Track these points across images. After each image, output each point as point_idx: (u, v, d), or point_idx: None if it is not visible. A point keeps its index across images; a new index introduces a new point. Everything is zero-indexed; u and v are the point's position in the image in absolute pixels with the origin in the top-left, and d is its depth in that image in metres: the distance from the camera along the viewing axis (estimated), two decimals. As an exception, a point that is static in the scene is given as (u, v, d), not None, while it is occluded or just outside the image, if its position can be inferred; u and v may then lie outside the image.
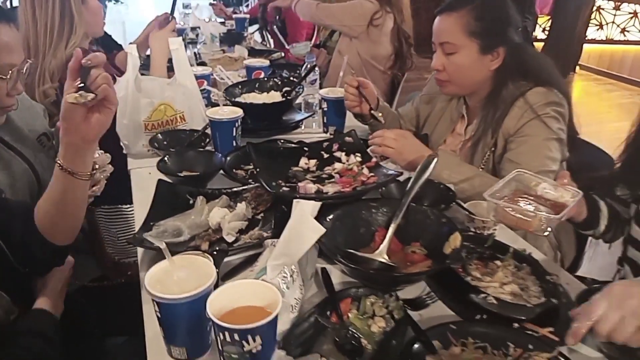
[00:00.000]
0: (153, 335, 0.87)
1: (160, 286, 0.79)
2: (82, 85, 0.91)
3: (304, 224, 0.91)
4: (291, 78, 2.09)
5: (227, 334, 0.71)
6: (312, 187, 1.19)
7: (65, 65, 1.64)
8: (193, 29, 3.43)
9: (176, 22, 1.96)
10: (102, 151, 1.20)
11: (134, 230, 1.21)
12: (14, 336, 1.02)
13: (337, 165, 1.32)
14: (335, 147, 1.40)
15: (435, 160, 1.18)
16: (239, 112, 1.55)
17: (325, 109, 1.74)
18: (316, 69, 1.92)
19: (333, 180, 1.25)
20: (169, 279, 0.82)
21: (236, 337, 0.71)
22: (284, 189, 1.21)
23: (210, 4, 3.76)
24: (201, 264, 0.85)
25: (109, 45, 2.25)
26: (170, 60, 1.73)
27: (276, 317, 0.74)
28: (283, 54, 2.91)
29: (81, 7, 1.70)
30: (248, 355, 0.72)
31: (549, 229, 0.98)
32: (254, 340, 0.72)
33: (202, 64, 2.47)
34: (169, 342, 0.82)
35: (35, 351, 1.01)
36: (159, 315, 0.79)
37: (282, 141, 1.67)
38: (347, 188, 1.20)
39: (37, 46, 1.67)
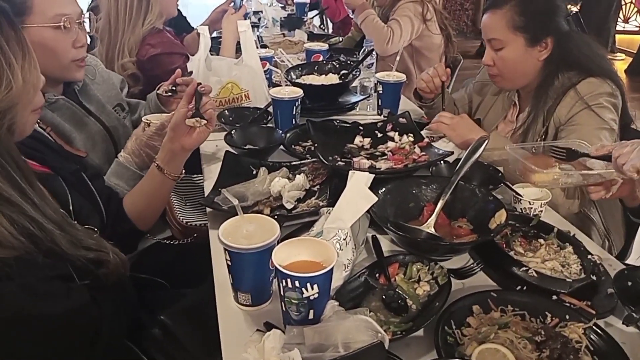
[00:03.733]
0: (221, 283, 0.98)
1: (231, 238, 0.89)
2: (195, 109, 1.13)
3: (358, 192, 0.99)
4: (348, 61, 2.16)
5: (289, 280, 0.80)
6: (365, 163, 1.26)
7: (141, 41, 1.79)
8: (255, 12, 3.56)
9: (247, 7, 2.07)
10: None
11: (201, 197, 1.33)
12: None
13: (390, 144, 1.38)
14: (389, 127, 1.46)
15: (487, 141, 1.23)
16: (299, 92, 1.64)
17: (381, 92, 1.80)
18: (373, 53, 1.98)
19: (386, 157, 1.31)
20: (239, 232, 0.92)
21: (297, 283, 0.80)
22: (340, 163, 1.29)
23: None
24: (266, 222, 0.95)
25: (181, 25, 2.39)
26: (238, 42, 1.85)
27: (331, 270, 0.83)
28: (341, 39, 2.97)
29: None
30: (306, 300, 0.81)
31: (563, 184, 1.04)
32: (312, 288, 0.80)
33: (264, 46, 2.58)
34: (237, 288, 0.93)
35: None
36: (230, 263, 0.90)
37: (338, 121, 1.74)
38: (399, 165, 1.26)
39: (117, 23, 1.82)
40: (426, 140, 1.37)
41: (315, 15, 3.57)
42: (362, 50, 2.10)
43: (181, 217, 1.56)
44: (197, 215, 1.59)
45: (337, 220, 0.98)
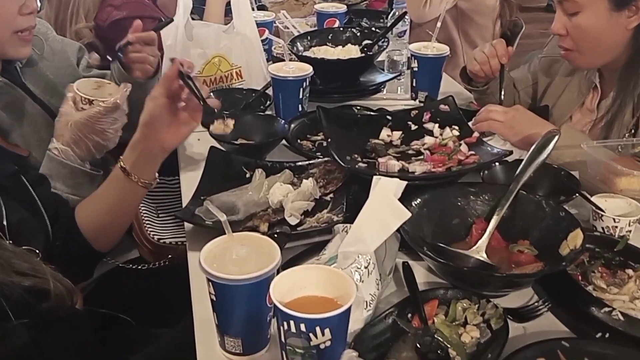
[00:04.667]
0: (203, 322, 0.99)
1: (217, 264, 0.89)
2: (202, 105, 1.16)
3: (385, 206, 0.98)
4: (373, 28, 2.16)
5: (292, 323, 0.80)
6: (395, 165, 1.26)
7: (101, 1, 1.81)
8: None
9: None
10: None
11: (178, 207, 1.33)
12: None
13: (428, 140, 1.38)
14: (426, 116, 1.46)
15: (557, 138, 1.22)
16: (307, 69, 1.64)
17: (416, 70, 1.80)
18: (406, 17, 1.98)
19: (422, 157, 1.31)
20: (227, 256, 0.92)
21: (303, 327, 0.80)
22: (361, 165, 1.29)
23: None
24: (264, 244, 0.94)
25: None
26: (228, 3, 1.86)
27: (349, 309, 0.82)
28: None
29: None
30: (315, 350, 0.81)
31: None
32: (323, 334, 0.80)
33: (262, 7, 2.59)
34: (223, 332, 0.93)
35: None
36: (214, 297, 0.90)
37: (358, 108, 1.75)
38: (439, 168, 1.26)
39: None
40: (476, 135, 1.37)
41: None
42: (390, 14, 2.09)
43: (152, 233, 1.57)
44: (173, 230, 1.60)
45: (356, 242, 0.97)
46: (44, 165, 1.29)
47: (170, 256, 1.53)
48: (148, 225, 1.58)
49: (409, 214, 0.97)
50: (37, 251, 1.06)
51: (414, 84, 1.83)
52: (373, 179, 1.01)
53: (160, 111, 1.15)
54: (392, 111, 1.53)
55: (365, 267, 0.98)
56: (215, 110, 1.21)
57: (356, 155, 1.33)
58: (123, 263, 1.51)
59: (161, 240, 1.55)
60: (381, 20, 2.65)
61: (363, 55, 1.87)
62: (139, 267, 1.51)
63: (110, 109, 1.34)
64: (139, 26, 1.45)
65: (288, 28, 2.35)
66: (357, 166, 1.27)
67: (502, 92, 1.65)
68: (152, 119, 1.15)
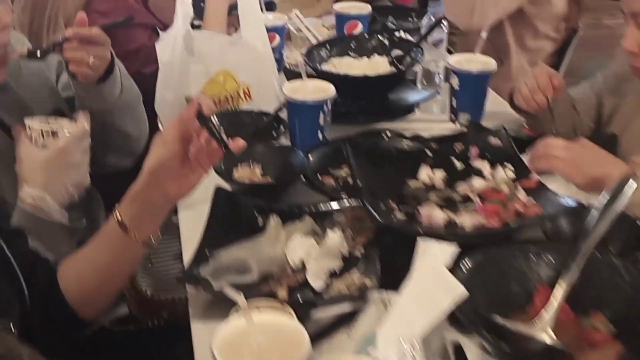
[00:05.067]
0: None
1: (233, 354, 0.84)
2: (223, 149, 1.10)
3: (435, 279, 0.93)
4: (402, 33, 2.11)
5: None
6: (439, 216, 1.20)
7: (84, 5, 1.76)
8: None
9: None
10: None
11: (176, 251, 1.28)
12: None
13: (477, 182, 1.32)
14: (473, 152, 1.40)
15: (635, 184, 1.16)
16: (328, 90, 1.59)
17: (457, 89, 1.74)
18: (444, 22, 1.92)
19: (471, 205, 1.25)
20: (246, 346, 0.87)
21: None
22: (398, 216, 1.23)
23: None
24: (288, 327, 0.90)
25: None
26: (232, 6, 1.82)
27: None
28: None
29: None
30: None
31: None
32: None
33: (270, 5, 2.54)
34: None
35: None
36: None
37: (388, 133, 1.68)
38: (493, 220, 1.20)
39: None
40: (535, 178, 1.31)
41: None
42: (424, 18, 2.03)
43: (144, 286, 1.52)
44: (170, 283, 1.55)
45: (400, 324, 0.92)
46: (15, 219, 1.23)
47: (166, 314, 1.48)
48: (139, 276, 1.52)
49: (465, 292, 0.92)
50: (12, 326, 1.01)
51: (454, 105, 1.77)
52: (418, 244, 0.96)
53: (170, 158, 1.09)
54: (431, 143, 1.47)
55: (412, 355, 0.93)
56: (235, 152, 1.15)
57: (391, 202, 1.27)
58: (109, 323, 1.46)
59: (155, 295, 1.49)
60: (409, 19, 2.60)
61: (394, 71, 1.81)
62: (129, 328, 1.45)
63: (80, 136, 1.30)
64: (81, 20, 1.37)
65: (301, 31, 2.31)
66: (394, 218, 1.21)
67: (556, 127, 1.59)
68: (161, 167, 1.09)
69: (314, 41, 2.21)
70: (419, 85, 1.91)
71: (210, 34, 1.70)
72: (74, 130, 1.29)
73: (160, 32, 1.81)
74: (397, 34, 2.17)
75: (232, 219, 1.33)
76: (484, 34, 1.76)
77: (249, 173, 1.37)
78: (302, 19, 2.34)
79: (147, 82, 1.69)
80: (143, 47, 1.77)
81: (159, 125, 1.69)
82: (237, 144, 1.13)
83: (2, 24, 1.27)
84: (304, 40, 2.30)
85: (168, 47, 1.62)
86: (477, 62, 1.75)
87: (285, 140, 1.64)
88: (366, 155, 1.41)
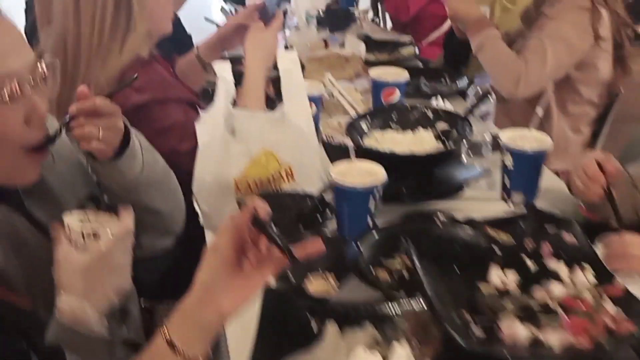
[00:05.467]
0: None
1: None
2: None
3: None
4: (440, 100, 2.03)
5: None
6: (523, 333, 1.08)
7: (119, 79, 1.66)
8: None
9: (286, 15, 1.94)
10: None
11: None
12: None
13: (556, 288, 1.20)
14: (545, 249, 1.29)
15: None
16: (379, 173, 1.48)
17: (511, 168, 1.64)
18: (492, 95, 1.82)
19: (555, 318, 1.13)
20: None
21: None
22: (476, 332, 1.11)
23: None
24: None
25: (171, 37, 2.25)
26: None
27: None
28: (418, 49, 2.85)
29: None
30: None
31: None
32: None
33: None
34: None
35: None
36: None
37: (440, 216, 1.58)
38: (582, 339, 1.08)
39: (78, 48, 1.68)
40: (620, 285, 1.19)
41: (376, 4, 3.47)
42: (469, 88, 1.94)
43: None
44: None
45: None
46: (51, 333, 1.11)
47: None
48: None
49: None
50: None
51: (507, 184, 1.66)
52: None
53: (224, 269, 0.99)
54: (489, 220, 1.38)
55: None
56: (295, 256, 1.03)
57: (463, 312, 1.15)
58: None
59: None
60: (442, 81, 2.52)
61: (443, 149, 1.71)
62: None
63: (123, 237, 1.18)
64: (82, 94, 1.24)
65: (334, 97, 2.22)
66: (473, 337, 1.09)
67: (619, 216, 1.49)
68: (213, 279, 0.98)
69: (349, 109, 2.12)
70: (464, 157, 1.81)
71: (251, 112, 1.59)
72: (116, 229, 1.17)
73: (195, 107, 1.72)
74: (435, 101, 2.10)
75: (284, 325, 1.22)
76: (540, 111, 1.67)
77: (324, 285, 1.25)
78: (335, 83, 2.25)
79: (182, 159, 1.59)
80: (178, 123, 1.66)
81: (195, 206, 1.58)
82: (311, 247, 1.02)
83: (41, 115, 1.16)
84: (336, 106, 2.21)
85: (208, 127, 1.52)
86: (531, 139, 1.65)
87: (332, 225, 1.53)
88: (425, 249, 1.30)
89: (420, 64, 2.81)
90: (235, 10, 3.40)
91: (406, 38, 3.19)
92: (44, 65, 1.16)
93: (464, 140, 1.77)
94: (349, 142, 1.51)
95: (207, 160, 1.53)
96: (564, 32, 2.16)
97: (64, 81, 1.72)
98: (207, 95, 2.22)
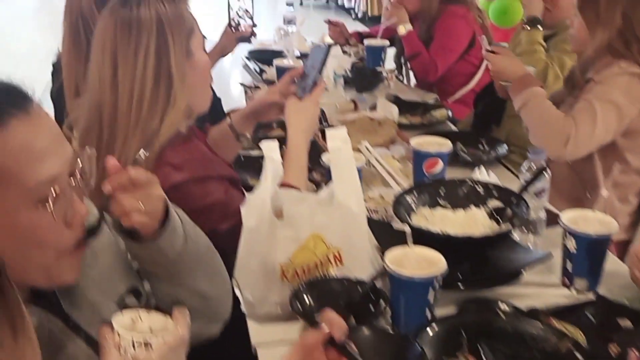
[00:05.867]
0: None
1: None
2: None
3: None
4: (484, 173, 1.92)
5: None
6: None
7: (156, 157, 1.56)
8: (301, 57, 3.38)
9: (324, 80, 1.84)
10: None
11: None
12: None
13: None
14: (633, 357, 1.17)
15: None
16: (438, 262, 1.37)
17: (574, 252, 1.52)
18: (548, 171, 1.72)
19: None
20: None
21: None
22: None
23: (328, 22, 3.72)
24: None
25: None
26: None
27: None
28: (450, 111, 2.76)
29: (184, 65, 1.61)
30: None
31: None
32: None
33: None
34: None
35: None
36: None
37: (501, 306, 1.47)
38: None
39: (115, 123, 1.58)
40: None
41: (403, 65, 3.40)
42: (526, 168, 1.79)
43: None
44: None
45: None
46: None
47: None
48: None
49: None
50: None
51: (569, 269, 1.55)
52: None
53: None
54: (570, 334, 1.26)
55: None
56: None
57: None
58: None
59: None
60: (480, 147, 2.42)
61: (501, 230, 1.60)
62: None
63: (176, 346, 1.06)
64: (114, 167, 1.13)
65: (370, 164, 2.11)
66: None
67: None
68: None
69: (389, 180, 2.02)
70: (516, 235, 1.70)
71: (301, 195, 1.48)
72: (170, 338, 1.05)
73: (236, 183, 1.63)
74: (479, 171, 1.99)
75: None
76: (604, 192, 1.56)
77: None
78: (373, 151, 2.15)
79: (223, 240, 1.47)
80: (218, 202, 1.56)
81: (237, 292, 1.47)
82: None
83: (80, 216, 1.06)
84: (374, 175, 2.11)
85: (254, 210, 1.41)
86: (594, 221, 1.54)
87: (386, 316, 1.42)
88: (491, 346, 1.20)
89: (453, 127, 2.72)
90: (260, 69, 3.32)
91: (432, 97, 3.11)
92: (83, 159, 1.07)
93: (520, 220, 1.66)
94: (406, 228, 1.39)
95: (252, 245, 1.42)
96: (614, 97, 2.06)
97: (98, 157, 1.62)
98: (239, 162, 2.14)
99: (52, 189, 0.99)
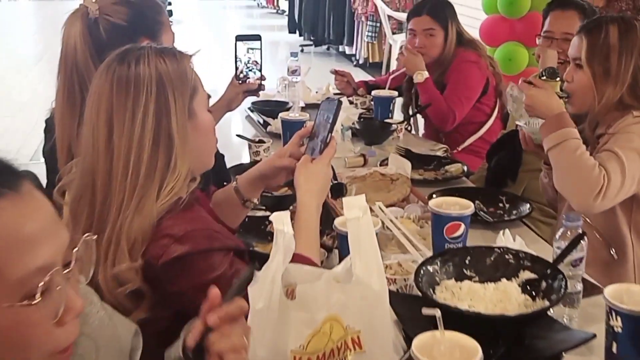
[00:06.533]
0: None
1: None
2: None
3: None
4: (510, 237, 1.77)
5: None
6: None
7: (154, 227, 1.40)
8: (304, 108, 3.26)
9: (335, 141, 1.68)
10: None
11: None
12: None
13: None
14: None
15: None
16: (472, 350, 1.20)
17: (619, 331, 1.36)
18: (585, 239, 1.56)
19: None
20: None
21: None
22: None
23: (334, 73, 3.59)
24: None
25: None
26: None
27: None
28: (466, 166, 2.61)
29: (186, 127, 1.46)
30: None
31: None
32: None
33: (339, 188, 2.20)
34: None
35: None
36: None
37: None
38: None
39: (110, 191, 1.42)
40: None
41: (412, 116, 3.27)
42: (561, 234, 1.63)
43: None
44: None
45: None
46: None
47: None
48: None
49: None
50: None
51: (614, 349, 1.38)
52: None
53: None
54: None
55: None
56: None
57: None
58: None
59: None
60: (501, 205, 2.27)
61: (538, 309, 1.43)
62: None
63: None
64: (216, 299, 1.03)
65: (385, 227, 1.95)
66: None
67: None
68: None
69: (407, 245, 1.86)
70: (551, 309, 1.53)
71: (315, 271, 1.32)
72: None
73: (242, 255, 1.47)
74: (503, 237, 1.83)
75: None
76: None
77: None
78: (388, 213, 1.99)
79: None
80: (223, 276, 1.39)
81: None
82: None
83: (74, 313, 0.90)
84: (389, 238, 1.95)
85: (264, 290, 1.24)
86: (639, 296, 1.38)
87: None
88: None
89: (470, 183, 2.57)
90: (264, 121, 3.18)
91: (442, 147, 2.98)
92: (79, 247, 0.92)
93: (556, 294, 1.50)
94: (436, 313, 1.22)
95: (260, 330, 1.25)
96: (636, 144, 1.92)
97: (90, 226, 1.46)
98: (242, 223, 1.97)
99: (41, 279, 0.83)
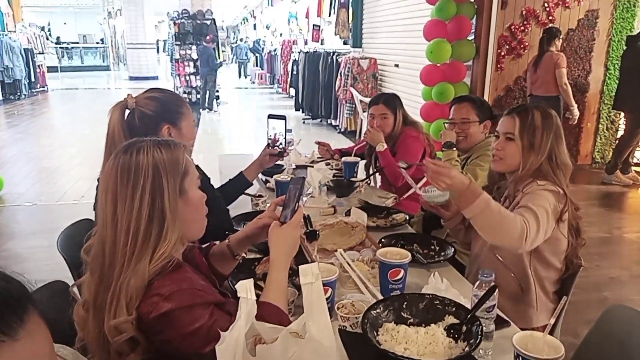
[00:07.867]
0: None
1: None
2: None
3: None
4: (439, 279, 1.49)
5: None
6: None
7: (146, 286, 1.13)
8: (297, 169, 3.00)
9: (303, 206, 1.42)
10: None
11: None
12: None
13: None
14: None
15: None
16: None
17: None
18: (496, 292, 1.27)
19: None
20: None
21: None
22: None
23: (318, 143, 3.34)
24: None
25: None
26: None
27: None
28: (408, 216, 2.32)
29: (177, 203, 1.19)
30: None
31: None
32: None
33: (313, 234, 1.92)
34: None
35: None
36: None
37: None
38: None
39: (114, 255, 1.15)
40: None
41: (370, 176, 2.99)
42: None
43: None
44: None
45: None
46: None
47: None
48: None
49: None
50: None
51: (523, 389, 1.09)
52: None
53: None
54: None
55: None
56: None
57: None
58: None
59: None
60: (432, 248, 1.98)
61: (461, 355, 1.14)
62: None
63: None
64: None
65: (344, 269, 1.67)
66: None
67: None
68: None
69: (360, 285, 1.58)
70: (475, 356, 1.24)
71: (274, 328, 1.04)
72: None
73: (222, 307, 1.18)
74: (434, 279, 1.55)
75: None
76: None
77: None
78: (346, 257, 1.72)
79: (206, 362, 1.03)
80: (203, 328, 1.12)
81: None
82: None
83: None
84: (348, 277, 1.66)
85: (229, 350, 0.96)
86: (542, 344, 1.10)
87: None
88: None
89: (410, 229, 2.28)
90: (265, 179, 2.91)
91: (392, 195, 2.70)
92: None
93: (474, 337, 1.21)
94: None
95: (226, 382, 0.96)
96: (542, 203, 1.64)
97: (100, 280, 1.19)
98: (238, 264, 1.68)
99: None
